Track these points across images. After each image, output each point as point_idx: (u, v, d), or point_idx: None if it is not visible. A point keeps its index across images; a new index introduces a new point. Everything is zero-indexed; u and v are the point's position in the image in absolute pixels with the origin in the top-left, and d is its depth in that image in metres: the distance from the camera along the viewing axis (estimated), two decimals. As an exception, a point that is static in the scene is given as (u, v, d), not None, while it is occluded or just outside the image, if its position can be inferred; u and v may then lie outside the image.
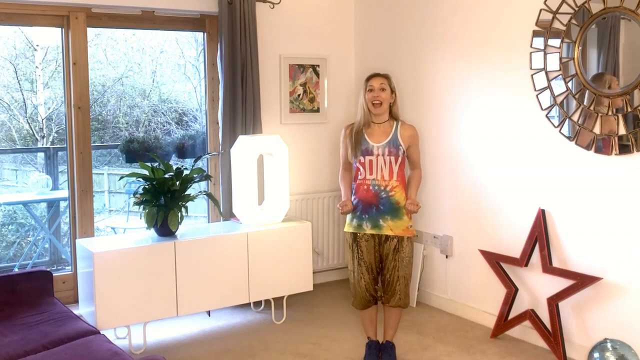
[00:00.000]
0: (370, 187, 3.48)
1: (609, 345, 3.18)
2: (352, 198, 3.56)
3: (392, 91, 3.53)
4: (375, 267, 3.54)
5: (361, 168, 3.51)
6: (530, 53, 3.70)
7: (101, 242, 3.83)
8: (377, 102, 3.46)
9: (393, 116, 3.56)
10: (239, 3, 4.38)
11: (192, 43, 5.49)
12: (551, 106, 3.63)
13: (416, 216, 4.55)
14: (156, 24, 4.48)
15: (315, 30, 4.96)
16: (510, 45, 3.84)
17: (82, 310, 3.81)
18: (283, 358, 3.69)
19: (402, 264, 3.49)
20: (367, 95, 3.49)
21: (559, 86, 3.58)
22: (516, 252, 3.84)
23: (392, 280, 3.50)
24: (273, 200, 4.29)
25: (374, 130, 3.52)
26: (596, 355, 3.19)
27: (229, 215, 4.46)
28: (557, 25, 3.53)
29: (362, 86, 3.55)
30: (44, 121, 5.48)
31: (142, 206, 3.81)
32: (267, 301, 4.33)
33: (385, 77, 3.52)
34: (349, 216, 3.57)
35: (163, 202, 3.79)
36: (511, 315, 3.87)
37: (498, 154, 3.98)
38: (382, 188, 3.47)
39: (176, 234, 3.92)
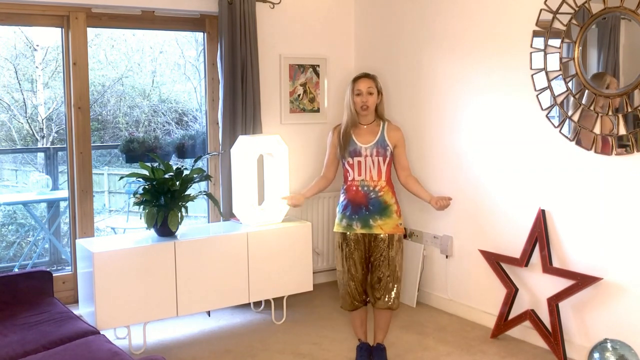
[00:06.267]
0: (360, 188, 3.48)
1: (609, 345, 3.18)
2: (342, 199, 3.56)
3: (379, 92, 3.53)
4: (365, 269, 3.53)
5: (350, 169, 3.52)
6: (531, 53, 3.70)
7: (101, 242, 3.83)
8: (365, 106, 3.47)
9: (379, 116, 3.57)
10: (239, 3, 4.38)
11: (192, 43, 5.48)
12: (551, 106, 3.63)
13: (416, 216, 4.56)
14: (156, 24, 4.48)
15: (315, 30, 4.95)
16: (510, 45, 3.84)
17: (82, 310, 3.81)
18: (283, 358, 3.68)
19: (392, 266, 3.47)
20: (354, 98, 3.49)
21: (559, 86, 3.58)
22: (516, 252, 3.84)
23: (381, 282, 3.49)
24: (273, 200, 4.29)
25: (362, 130, 3.53)
26: (596, 355, 3.19)
27: (229, 215, 4.46)
28: (557, 25, 3.52)
29: (348, 86, 3.54)
30: (44, 121, 5.48)
31: (142, 206, 3.81)
32: (267, 301, 4.33)
33: (373, 78, 3.52)
34: (338, 216, 3.58)
35: (163, 202, 3.80)
36: (511, 316, 3.87)
37: (498, 154, 3.98)
38: (371, 189, 3.47)
39: (176, 234, 3.92)
